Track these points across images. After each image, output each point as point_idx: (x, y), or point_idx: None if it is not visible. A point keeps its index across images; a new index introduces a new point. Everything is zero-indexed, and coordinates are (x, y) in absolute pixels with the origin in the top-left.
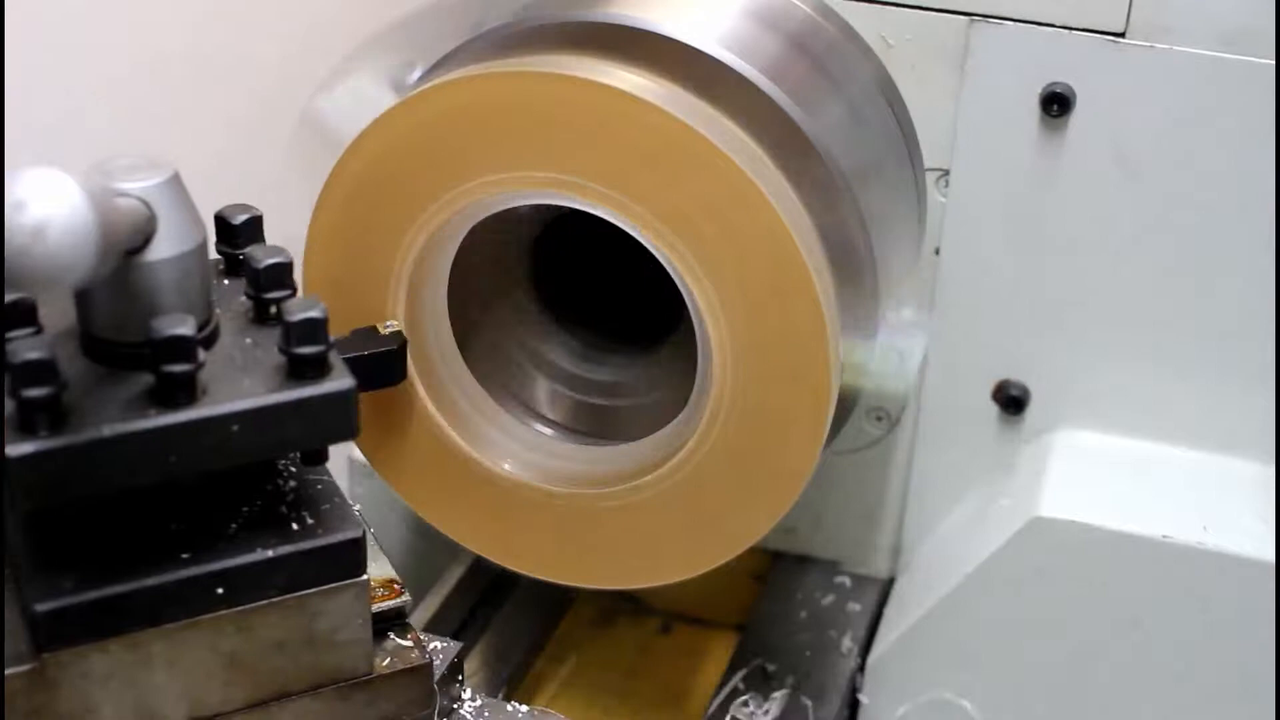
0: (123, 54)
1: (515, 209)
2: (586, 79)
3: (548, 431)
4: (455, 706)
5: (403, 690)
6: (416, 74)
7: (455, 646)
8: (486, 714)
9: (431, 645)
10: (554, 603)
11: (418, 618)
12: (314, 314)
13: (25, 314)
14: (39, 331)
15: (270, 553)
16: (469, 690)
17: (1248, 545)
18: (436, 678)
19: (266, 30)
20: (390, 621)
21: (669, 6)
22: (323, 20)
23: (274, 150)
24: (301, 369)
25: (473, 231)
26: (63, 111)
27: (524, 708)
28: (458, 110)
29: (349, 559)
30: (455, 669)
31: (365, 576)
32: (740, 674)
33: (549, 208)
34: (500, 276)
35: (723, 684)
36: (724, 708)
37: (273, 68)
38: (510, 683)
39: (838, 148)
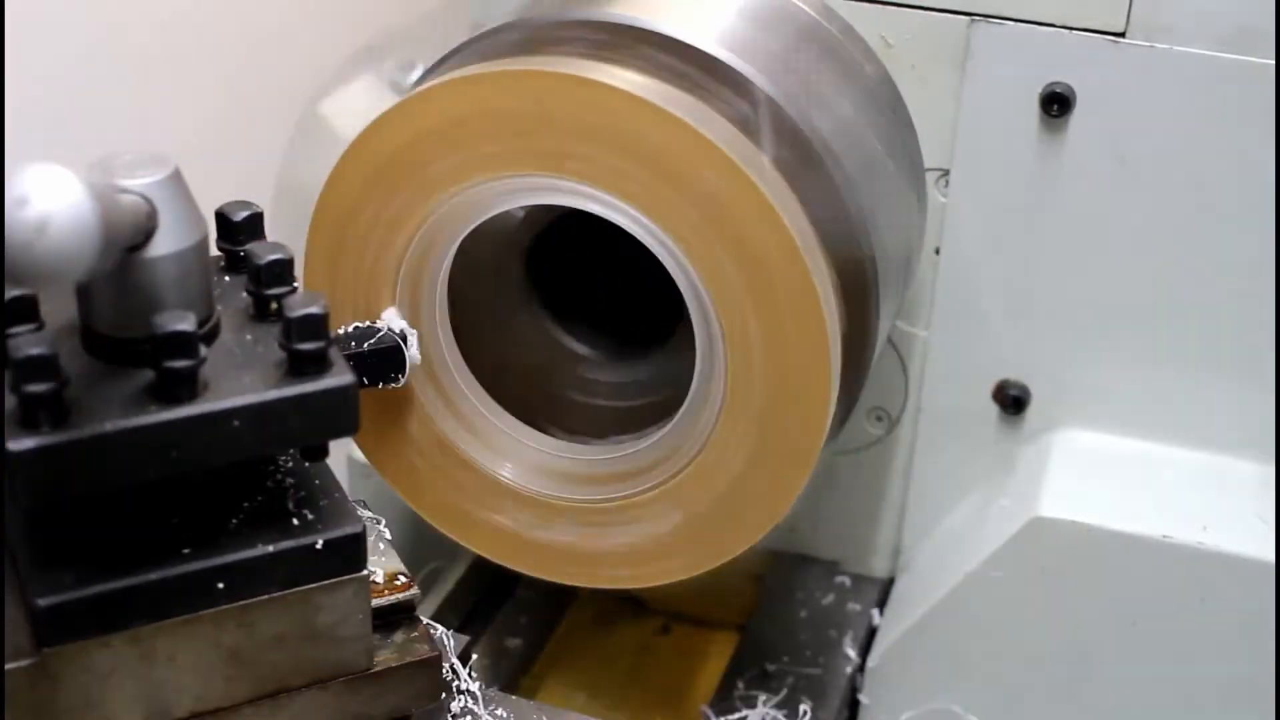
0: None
1: (512, 213)
2: (586, 79)
3: (547, 433)
4: (462, 700)
5: (411, 683)
6: (417, 74)
7: (463, 640)
8: (492, 707)
9: (439, 638)
10: (554, 602)
11: None
12: (315, 310)
13: (27, 310)
14: (40, 328)
15: (271, 548)
16: (476, 684)
17: (1248, 545)
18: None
19: (245, 19)
20: (399, 615)
21: (669, 6)
22: (307, 12)
23: (253, 145)
24: (302, 365)
25: (471, 234)
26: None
27: (529, 701)
28: (457, 110)
29: (350, 554)
30: (462, 662)
31: (366, 571)
32: (740, 674)
33: (546, 212)
34: (499, 280)
35: (723, 684)
36: (725, 709)
37: (250, 59)
38: (511, 682)
39: (838, 147)
